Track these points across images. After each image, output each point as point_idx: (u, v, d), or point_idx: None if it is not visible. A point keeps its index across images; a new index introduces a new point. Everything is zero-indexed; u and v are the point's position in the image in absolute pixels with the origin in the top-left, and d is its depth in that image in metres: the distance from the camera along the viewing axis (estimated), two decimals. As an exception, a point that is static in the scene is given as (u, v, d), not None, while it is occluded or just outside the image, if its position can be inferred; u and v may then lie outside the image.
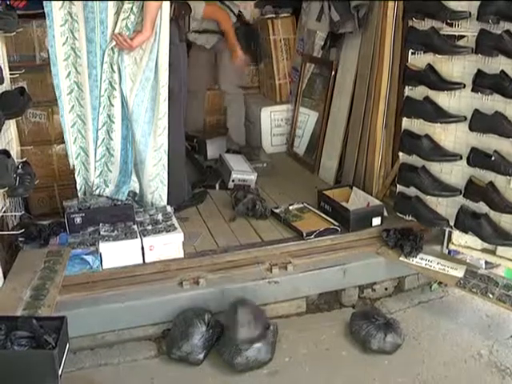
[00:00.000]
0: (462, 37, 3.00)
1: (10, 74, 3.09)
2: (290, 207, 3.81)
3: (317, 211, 3.76)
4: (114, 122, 3.43)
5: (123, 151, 3.53)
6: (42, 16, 3.28)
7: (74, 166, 3.50)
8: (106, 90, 3.34)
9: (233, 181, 4.24)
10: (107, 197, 3.53)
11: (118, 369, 2.89)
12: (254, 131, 5.17)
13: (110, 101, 3.39)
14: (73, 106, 3.36)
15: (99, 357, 2.96)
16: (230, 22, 4.65)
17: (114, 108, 3.40)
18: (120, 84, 3.33)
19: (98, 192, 3.54)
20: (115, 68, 3.32)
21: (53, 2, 3.11)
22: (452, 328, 3.16)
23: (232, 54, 4.68)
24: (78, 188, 3.56)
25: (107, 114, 3.41)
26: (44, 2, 3.12)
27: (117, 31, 3.20)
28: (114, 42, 3.21)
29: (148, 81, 3.33)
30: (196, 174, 4.21)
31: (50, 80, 3.64)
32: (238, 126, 5.04)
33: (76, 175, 3.53)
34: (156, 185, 3.58)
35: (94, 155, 3.50)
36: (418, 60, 3.17)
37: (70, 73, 3.28)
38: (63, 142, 3.61)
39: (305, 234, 3.44)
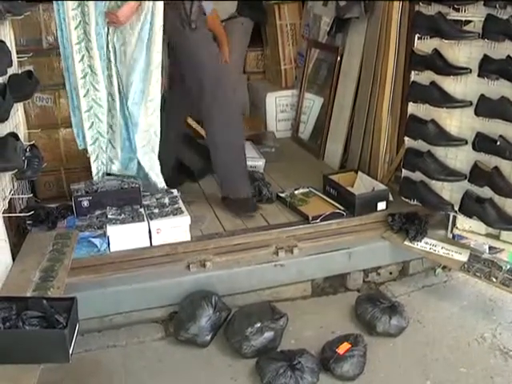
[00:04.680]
0: (469, 22, 3.00)
1: (17, 58, 3.09)
2: (296, 191, 3.82)
3: (322, 195, 3.77)
4: (114, 100, 3.42)
5: (124, 129, 3.51)
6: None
7: (84, 149, 3.49)
8: (107, 69, 3.34)
9: (241, 167, 4.25)
10: (115, 175, 3.54)
11: (126, 350, 2.93)
12: (258, 116, 5.17)
13: (110, 80, 3.38)
14: (87, 90, 3.33)
15: (107, 339, 2.99)
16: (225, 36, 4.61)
17: (114, 87, 3.39)
18: (116, 63, 3.34)
19: (107, 169, 3.56)
20: (110, 46, 3.31)
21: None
22: (456, 311, 3.19)
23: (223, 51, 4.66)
24: (95, 173, 3.52)
25: (109, 92, 3.40)
26: None
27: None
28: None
29: (136, 62, 3.30)
30: (202, 160, 4.20)
31: (56, 64, 3.69)
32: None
33: (92, 161, 3.49)
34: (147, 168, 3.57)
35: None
36: (425, 45, 3.17)
37: (83, 56, 3.25)
38: (70, 126, 3.63)
39: (311, 218, 3.45)
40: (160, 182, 3.59)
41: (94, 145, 3.48)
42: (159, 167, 3.58)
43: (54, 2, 3.14)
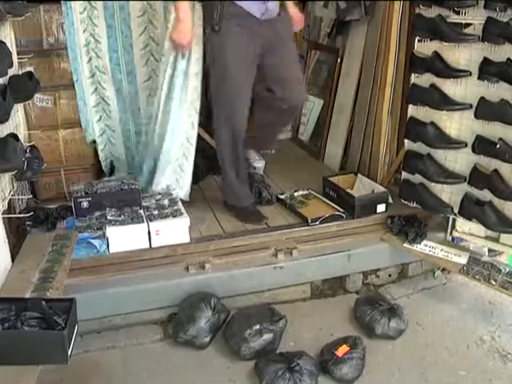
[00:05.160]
0: (469, 24, 3.00)
1: (18, 59, 3.10)
2: (296, 193, 3.82)
3: (322, 198, 3.77)
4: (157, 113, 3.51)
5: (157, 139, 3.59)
6: (50, 0, 3.31)
7: (92, 141, 3.68)
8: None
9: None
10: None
11: (125, 352, 2.92)
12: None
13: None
14: (96, 88, 3.52)
15: (106, 340, 2.99)
16: None
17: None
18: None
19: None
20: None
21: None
22: (455, 314, 3.19)
23: None
24: (103, 159, 3.72)
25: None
26: None
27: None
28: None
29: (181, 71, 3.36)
30: (204, 160, 4.20)
31: (56, 65, 3.68)
32: None
33: (100, 150, 3.70)
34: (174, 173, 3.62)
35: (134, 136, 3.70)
36: (425, 47, 3.18)
37: (91, 58, 3.42)
38: (70, 127, 3.69)
39: (310, 220, 3.45)
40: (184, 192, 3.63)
41: (101, 136, 3.68)
42: (190, 175, 3.62)
43: (63, 5, 3.18)
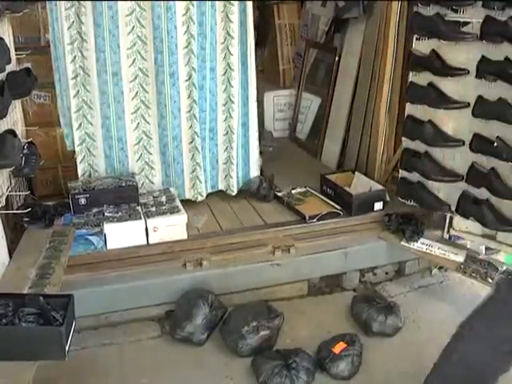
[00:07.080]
0: (467, 23, 3.00)
1: (16, 55, 3.10)
2: (293, 191, 3.83)
3: (319, 195, 3.79)
4: (149, 108, 3.47)
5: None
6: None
7: (73, 149, 3.51)
8: (136, 77, 3.37)
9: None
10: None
11: (122, 348, 2.93)
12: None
13: (142, 87, 3.43)
14: (78, 91, 3.36)
15: (103, 336, 3.00)
16: None
17: (149, 94, 3.45)
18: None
19: (144, 174, 3.62)
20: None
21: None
22: (451, 312, 3.17)
23: None
24: (81, 174, 3.53)
25: (141, 99, 3.44)
26: None
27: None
28: None
29: None
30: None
31: (54, 62, 3.68)
32: None
33: (79, 162, 3.51)
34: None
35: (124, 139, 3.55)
36: (423, 46, 3.18)
37: (75, 57, 3.28)
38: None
39: (307, 218, 3.46)
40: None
41: (81, 145, 3.48)
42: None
43: (47, 1, 3.15)
